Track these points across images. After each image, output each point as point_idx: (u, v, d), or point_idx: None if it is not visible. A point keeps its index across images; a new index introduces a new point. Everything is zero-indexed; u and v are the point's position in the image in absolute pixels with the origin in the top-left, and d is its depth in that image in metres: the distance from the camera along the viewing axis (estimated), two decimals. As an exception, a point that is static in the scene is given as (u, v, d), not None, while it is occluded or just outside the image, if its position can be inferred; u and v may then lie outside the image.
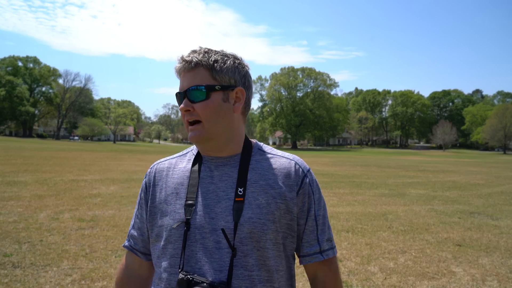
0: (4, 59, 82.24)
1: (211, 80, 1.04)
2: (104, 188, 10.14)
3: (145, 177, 1.19)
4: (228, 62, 1.06)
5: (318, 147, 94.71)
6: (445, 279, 4.32)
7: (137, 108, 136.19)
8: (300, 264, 1.13)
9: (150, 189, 1.15)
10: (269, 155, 1.12)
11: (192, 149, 1.18)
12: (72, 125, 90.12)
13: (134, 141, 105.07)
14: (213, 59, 1.04)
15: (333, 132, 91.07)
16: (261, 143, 1.17)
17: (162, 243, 1.07)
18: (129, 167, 17.06)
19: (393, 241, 5.86)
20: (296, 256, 1.15)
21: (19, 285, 3.65)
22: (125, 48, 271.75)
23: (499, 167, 27.56)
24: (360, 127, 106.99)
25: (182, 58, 1.06)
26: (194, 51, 1.06)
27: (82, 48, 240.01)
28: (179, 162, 1.16)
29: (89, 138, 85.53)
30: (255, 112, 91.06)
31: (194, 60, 1.04)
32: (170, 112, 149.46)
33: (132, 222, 1.22)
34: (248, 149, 1.11)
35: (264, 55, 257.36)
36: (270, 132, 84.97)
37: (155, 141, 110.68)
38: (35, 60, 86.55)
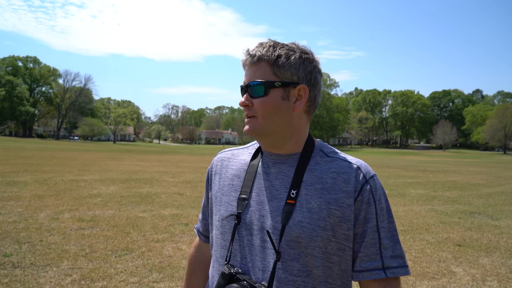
0: (4, 59, 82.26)
1: (272, 76, 1.00)
2: (104, 188, 10.14)
3: (210, 165, 1.21)
4: (293, 57, 1.00)
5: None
6: (445, 279, 4.32)
7: (137, 108, 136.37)
8: (353, 280, 1.02)
9: (211, 177, 1.18)
10: (330, 158, 1.05)
11: (255, 143, 1.16)
12: (72, 125, 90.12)
13: (134, 141, 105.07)
14: (276, 54, 1.00)
15: (333, 132, 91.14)
16: (325, 143, 1.11)
17: (216, 232, 1.09)
18: (129, 167, 17.06)
19: (393, 241, 5.85)
20: None
21: (19, 285, 3.65)
22: (124, 48, 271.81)
23: (499, 167, 27.55)
24: (360, 127, 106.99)
25: (247, 51, 1.03)
26: (260, 44, 1.03)
27: (81, 48, 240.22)
28: (240, 154, 1.15)
29: (89, 138, 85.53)
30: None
31: (257, 54, 1.01)
32: (170, 112, 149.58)
33: (201, 206, 1.28)
34: (309, 149, 1.06)
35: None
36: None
37: (155, 141, 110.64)
38: (35, 60, 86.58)
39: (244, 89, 1.04)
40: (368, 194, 0.99)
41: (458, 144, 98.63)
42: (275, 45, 1.02)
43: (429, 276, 4.38)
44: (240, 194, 1.05)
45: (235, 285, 0.94)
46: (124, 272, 4.09)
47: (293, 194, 0.99)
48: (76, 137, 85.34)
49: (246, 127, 1.04)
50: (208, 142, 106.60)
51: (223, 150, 1.21)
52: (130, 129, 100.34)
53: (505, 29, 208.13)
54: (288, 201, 0.98)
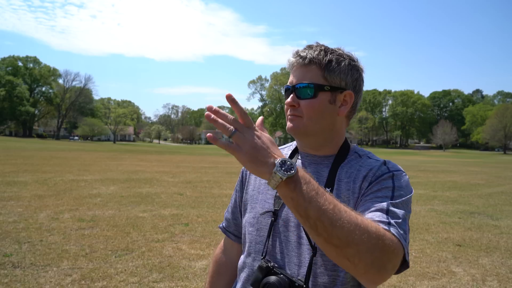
0: (4, 59, 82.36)
1: (321, 80, 1.03)
2: (104, 188, 10.14)
3: None
4: (343, 63, 1.04)
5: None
6: (445, 279, 4.32)
7: (137, 108, 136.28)
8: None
9: (246, 177, 1.21)
10: (363, 157, 1.08)
11: (292, 144, 1.20)
12: (72, 125, 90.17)
13: (134, 141, 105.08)
14: (328, 59, 1.03)
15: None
16: (361, 148, 1.14)
17: (250, 228, 1.11)
18: (129, 167, 17.05)
19: (393, 241, 5.85)
20: None
21: (19, 285, 3.65)
22: (124, 48, 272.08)
23: (499, 167, 27.55)
24: (360, 127, 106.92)
25: (297, 52, 1.05)
26: (310, 47, 1.05)
27: (81, 48, 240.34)
28: None
29: (89, 138, 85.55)
30: (255, 112, 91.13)
31: (308, 56, 1.03)
32: (170, 112, 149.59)
33: (229, 205, 1.29)
34: (344, 151, 1.09)
35: (264, 55, 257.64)
36: (270, 132, 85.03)
37: (155, 141, 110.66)
38: (35, 60, 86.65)
39: (291, 90, 1.05)
40: (388, 179, 0.97)
41: (458, 144, 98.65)
42: (326, 49, 1.04)
43: (429, 276, 4.38)
44: (276, 192, 1.07)
45: (273, 277, 0.95)
46: (124, 272, 4.09)
47: (327, 191, 1.00)
48: (76, 137, 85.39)
49: (290, 124, 1.06)
50: (208, 142, 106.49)
51: None
52: (130, 129, 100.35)
53: (505, 29, 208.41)
54: None
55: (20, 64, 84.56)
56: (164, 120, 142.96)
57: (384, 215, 0.88)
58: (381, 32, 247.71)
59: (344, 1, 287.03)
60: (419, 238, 6.08)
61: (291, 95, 1.05)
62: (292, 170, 0.79)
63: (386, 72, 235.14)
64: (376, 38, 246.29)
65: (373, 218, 0.88)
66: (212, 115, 0.81)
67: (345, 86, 1.05)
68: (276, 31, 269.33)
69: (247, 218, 1.14)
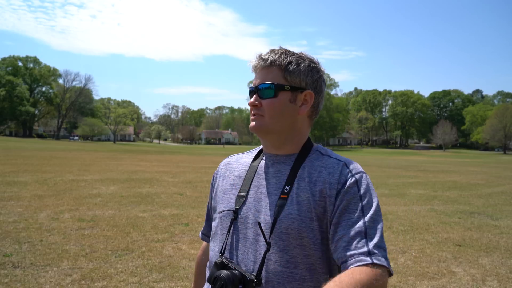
0: (4, 59, 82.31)
1: (282, 80, 1.08)
2: (104, 188, 10.14)
3: (216, 170, 1.29)
4: (302, 65, 1.09)
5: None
6: (445, 279, 4.32)
7: (137, 108, 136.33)
8: (339, 265, 0.97)
9: (216, 180, 1.26)
10: (324, 156, 1.11)
11: (258, 148, 1.25)
12: (72, 125, 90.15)
13: (134, 141, 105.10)
14: (288, 60, 1.08)
15: (333, 132, 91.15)
16: (324, 147, 1.16)
17: (215, 228, 1.15)
18: (129, 167, 17.06)
19: (393, 241, 5.86)
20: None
21: (19, 285, 3.65)
22: (124, 48, 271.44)
23: (499, 167, 27.56)
24: (360, 127, 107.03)
25: (260, 56, 1.11)
26: (272, 51, 1.11)
27: (81, 48, 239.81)
28: (244, 157, 1.24)
29: (89, 138, 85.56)
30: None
31: (270, 59, 1.09)
32: (170, 112, 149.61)
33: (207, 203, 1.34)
34: (306, 150, 1.12)
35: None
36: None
37: (155, 141, 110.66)
38: (35, 60, 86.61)
39: (254, 91, 1.11)
40: (353, 187, 1.00)
41: (458, 144, 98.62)
42: (287, 52, 1.10)
43: (429, 276, 4.38)
44: (239, 192, 1.13)
45: (224, 271, 0.98)
46: (124, 272, 4.09)
47: (286, 189, 1.05)
48: (76, 137, 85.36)
49: (252, 123, 1.10)
50: (208, 142, 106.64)
51: (230, 156, 1.30)
52: (130, 129, 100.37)
53: (505, 29, 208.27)
54: (281, 196, 1.04)
55: (20, 64, 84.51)
56: (164, 120, 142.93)
57: (363, 241, 0.92)
58: (381, 32, 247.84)
59: (343, 1, 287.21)
60: (419, 238, 6.08)
61: (254, 96, 1.10)
62: None
63: (386, 72, 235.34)
64: (376, 38, 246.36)
65: (355, 251, 0.91)
66: None
67: (305, 86, 1.09)
68: (275, 31, 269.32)
69: (214, 218, 1.19)
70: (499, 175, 19.72)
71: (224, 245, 1.08)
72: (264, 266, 1.00)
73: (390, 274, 0.93)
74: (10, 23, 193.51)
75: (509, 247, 5.75)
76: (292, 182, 1.06)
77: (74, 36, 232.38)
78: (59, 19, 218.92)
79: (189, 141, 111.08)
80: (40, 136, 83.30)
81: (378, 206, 1.00)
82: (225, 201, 1.15)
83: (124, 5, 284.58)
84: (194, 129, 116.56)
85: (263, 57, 1.09)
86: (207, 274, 1.14)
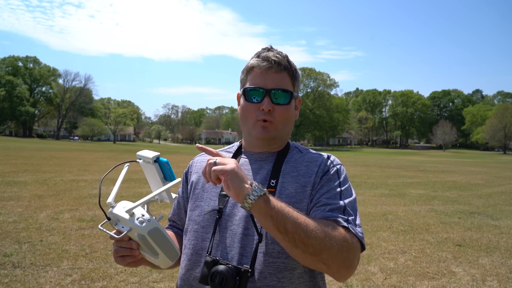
0: (4, 59, 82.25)
1: (291, 87, 1.11)
2: (104, 188, 10.14)
3: (187, 167, 1.31)
4: (298, 72, 1.15)
5: (318, 147, 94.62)
6: (445, 279, 4.32)
7: (137, 108, 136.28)
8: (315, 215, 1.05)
9: (189, 176, 1.27)
10: (304, 153, 1.17)
11: (234, 145, 1.26)
12: (72, 125, 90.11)
13: (134, 141, 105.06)
14: (294, 67, 1.12)
15: (333, 132, 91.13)
16: (299, 144, 1.23)
17: (195, 226, 1.13)
18: (129, 167, 17.03)
19: (393, 241, 5.86)
20: None
21: (19, 285, 3.65)
22: (123, 48, 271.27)
23: (499, 167, 27.55)
24: (360, 127, 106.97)
25: (267, 57, 1.08)
26: (279, 53, 1.10)
27: (80, 48, 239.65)
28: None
29: (89, 138, 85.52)
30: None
31: (283, 63, 1.08)
32: (170, 112, 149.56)
33: (172, 208, 1.34)
34: (286, 147, 1.17)
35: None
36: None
37: (155, 141, 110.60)
38: (35, 60, 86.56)
39: (265, 93, 1.07)
40: (334, 174, 1.09)
41: (458, 144, 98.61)
42: (286, 56, 1.12)
43: (429, 276, 4.38)
44: (221, 190, 1.11)
45: (222, 266, 0.98)
46: (124, 272, 4.09)
47: (272, 183, 1.07)
48: (76, 137, 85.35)
49: (264, 131, 1.09)
50: (208, 142, 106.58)
51: (200, 154, 1.27)
52: (130, 129, 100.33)
53: (505, 29, 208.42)
54: (268, 189, 1.05)
55: (20, 64, 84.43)
56: (164, 120, 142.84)
57: (341, 213, 1.00)
58: (380, 32, 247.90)
59: (343, 1, 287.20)
60: (419, 238, 6.08)
61: (265, 98, 1.07)
62: (264, 189, 0.88)
63: (386, 72, 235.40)
64: (376, 38, 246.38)
65: (335, 217, 0.98)
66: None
67: (298, 92, 1.16)
68: (275, 31, 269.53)
69: (191, 216, 1.17)
70: (499, 175, 19.72)
71: (211, 244, 1.07)
72: (256, 258, 1.01)
73: (364, 248, 1.01)
74: (9, 23, 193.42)
75: (509, 247, 5.75)
76: (277, 176, 1.08)
77: (72, 36, 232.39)
78: (57, 19, 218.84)
79: (189, 141, 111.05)
80: (40, 136, 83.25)
81: (350, 187, 1.10)
82: (207, 199, 1.14)
83: (122, 5, 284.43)
84: (194, 129, 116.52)
85: (274, 59, 1.07)
86: (186, 271, 1.10)
